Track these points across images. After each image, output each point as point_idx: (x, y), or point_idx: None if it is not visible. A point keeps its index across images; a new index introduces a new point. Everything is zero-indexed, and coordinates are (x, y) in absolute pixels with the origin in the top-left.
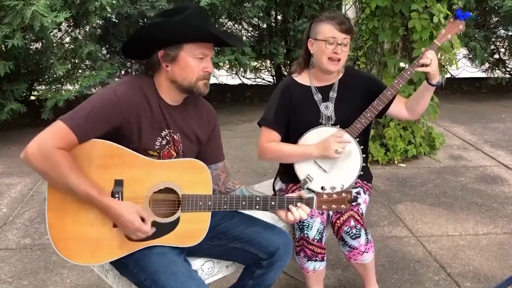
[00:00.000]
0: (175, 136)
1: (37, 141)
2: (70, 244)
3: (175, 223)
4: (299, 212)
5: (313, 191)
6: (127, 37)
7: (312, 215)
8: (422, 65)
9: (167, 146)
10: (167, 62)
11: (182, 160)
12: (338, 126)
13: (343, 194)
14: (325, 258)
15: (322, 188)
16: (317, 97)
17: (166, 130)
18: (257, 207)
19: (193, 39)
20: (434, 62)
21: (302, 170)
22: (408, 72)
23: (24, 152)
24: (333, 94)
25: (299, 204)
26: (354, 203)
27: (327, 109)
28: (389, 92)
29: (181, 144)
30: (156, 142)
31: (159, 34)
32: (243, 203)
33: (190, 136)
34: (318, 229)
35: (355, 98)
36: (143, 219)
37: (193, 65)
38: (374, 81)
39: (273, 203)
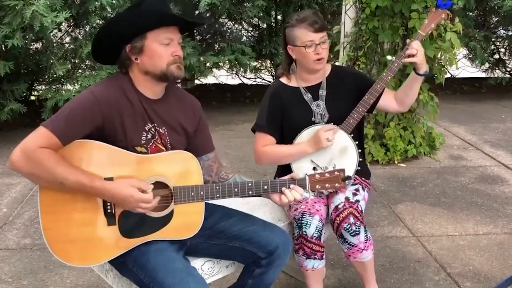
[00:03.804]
0: (160, 130)
1: (20, 147)
2: (67, 246)
3: (170, 216)
4: (293, 193)
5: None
6: (92, 43)
7: (311, 212)
8: (409, 56)
9: (153, 140)
10: (135, 54)
11: (169, 153)
12: (332, 123)
13: (336, 172)
14: (324, 256)
15: (314, 168)
16: (307, 96)
17: (149, 124)
18: (250, 192)
19: (151, 25)
20: (420, 52)
21: (299, 170)
22: (396, 64)
23: (9, 160)
24: (322, 92)
25: (292, 185)
26: (352, 199)
27: (319, 107)
28: (378, 86)
29: (168, 138)
30: (142, 137)
31: (119, 29)
32: (236, 190)
33: (177, 128)
34: (316, 227)
35: (344, 94)
36: (142, 191)
37: (160, 51)
38: (361, 76)
39: (265, 187)
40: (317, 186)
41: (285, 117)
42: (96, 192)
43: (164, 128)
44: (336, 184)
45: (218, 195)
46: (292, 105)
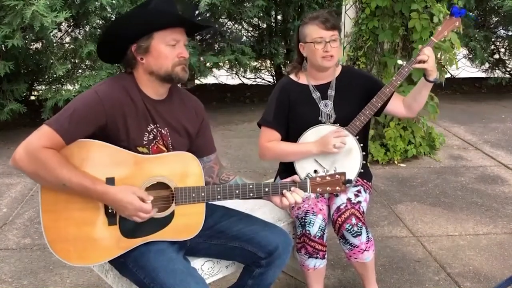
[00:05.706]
0: (162, 131)
1: (23, 145)
2: (68, 246)
3: (170, 217)
4: (294, 196)
5: None
6: (98, 41)
7: (314, 211)
8: (420, 62)
9: (154, 141)
10: (141, 54)
11: (171, 154)
12: (338, 124)
13: (337, 176)
14: (325, 256)
15: (315, 171)
16: (316, 95)
17: (152, 125)
18: (251, 194)
19: (159, 25)
20: (431, 59)
21: (302, 169)
22: (406, 69)
23: (12, 158)
24: (331, 92)
25: (293, 188)
26: (354, 200)
27: (327, 107)
28: (387, 89)
29: (169, 139)
30: (144, 138)
31: (127, 28)
32: (237, 191)
33: (179, 130)
34: (319, 226)
35: (353, 95)
36: (142, 200)
37: (166, 52)
38: (371, 78)
39: (266, 189)
40: (318, 189)
41: (292, 114)
42: (97, 195)
43: (166, 129)
44: (337, 188)
45: (219, 197)
46: (300, 102)
